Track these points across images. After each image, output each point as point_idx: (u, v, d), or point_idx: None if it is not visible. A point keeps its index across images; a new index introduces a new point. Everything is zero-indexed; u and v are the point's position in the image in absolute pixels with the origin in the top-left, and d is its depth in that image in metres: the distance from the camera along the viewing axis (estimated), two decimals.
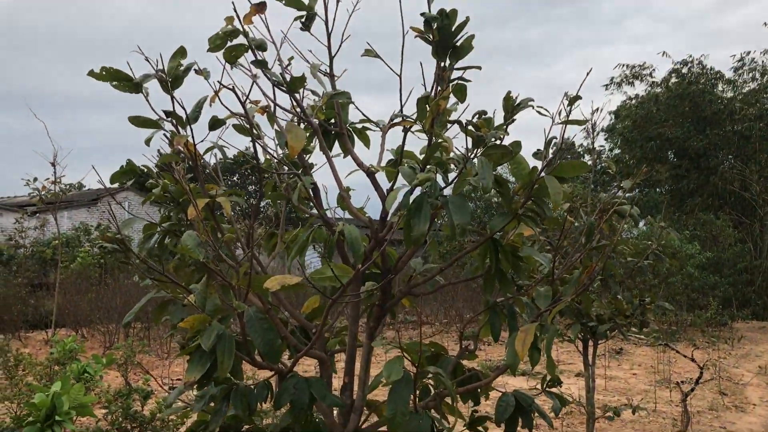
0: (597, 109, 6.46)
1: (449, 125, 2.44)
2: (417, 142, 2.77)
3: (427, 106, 2.37)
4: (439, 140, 2.40)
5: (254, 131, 2.81)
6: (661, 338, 8.84)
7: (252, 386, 2.44)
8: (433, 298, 19.18)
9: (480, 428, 3.05)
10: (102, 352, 10.75)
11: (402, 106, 2.64)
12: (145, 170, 2.88)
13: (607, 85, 27.33)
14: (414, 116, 2.56)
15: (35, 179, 13.90)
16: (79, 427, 5.00)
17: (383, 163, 3.00)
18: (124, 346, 10.18)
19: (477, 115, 2.24)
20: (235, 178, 33.31)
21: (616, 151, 27.10)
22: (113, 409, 5.47)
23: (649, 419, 8.57)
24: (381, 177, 2.87)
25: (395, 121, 2.60)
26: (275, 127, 3.06)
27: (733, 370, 12.82)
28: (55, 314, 14.08)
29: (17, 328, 14.85)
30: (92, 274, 17.48)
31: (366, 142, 3.23)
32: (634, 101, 26.52)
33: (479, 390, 3.02)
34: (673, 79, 25.29)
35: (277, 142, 3.08)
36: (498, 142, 2.37)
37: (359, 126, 3.18)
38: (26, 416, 5.04)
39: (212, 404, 2.40)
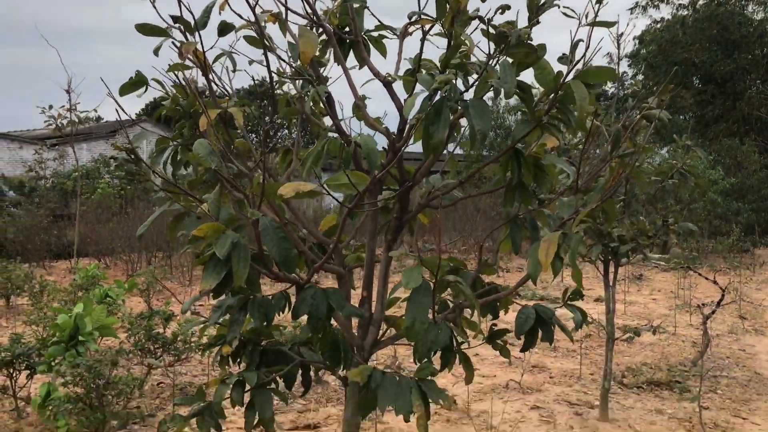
0: (620, 34, 6.19)
1: (470, 23, 2.31)
2: (436, 52, 2.65)
3: (446, 3, 2.23)
4: (459, 41, 2.28)
5: (266, 42, 2.70)
6: (683, 263, 8.76)
7: (269, 297, 2.40)
8: (451, 227, 19.16)
9: (499, 342, 3.03)
10: (124, 279, 10.89)
11: (421, 7, 2.49)
12: (155, 81, 2.79)
13: (632, 9, 26.49)
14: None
15: (50, 107, 13.85)
16: (103, 348, 5.07)
17: (401, 73, 2.88)
18: (146, 272, 10.31)
19: (500, 10, 2.11)
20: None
21: (640, 77, 26.47)
22: (135, 330, 5.54)
23: (669, 342, 8.59)
24: (398, 88, 2.76)
25: (413, 19, 2.47)
26: (287, 37, 2.94)
27: (753, 294, 12.77)
28: (77, 243, 14.26)
29: (41, 257, 15.09)
30: (113, 205, 17.62)
31: (383, 51, 3.10)
32: (659, 25, 25.72)
33: (498, 304, 2.97)
34: (701, 1, 24.41)
35: (290, 54, 2.97)
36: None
37: (375, 35, 3.05)
38: (51, 338, 5.11)
39: (228, 316, 2.38)
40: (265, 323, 2.35)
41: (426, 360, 2.42)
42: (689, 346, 8.47)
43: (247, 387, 2.78)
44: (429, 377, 2.43)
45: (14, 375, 5.11)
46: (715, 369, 7.36)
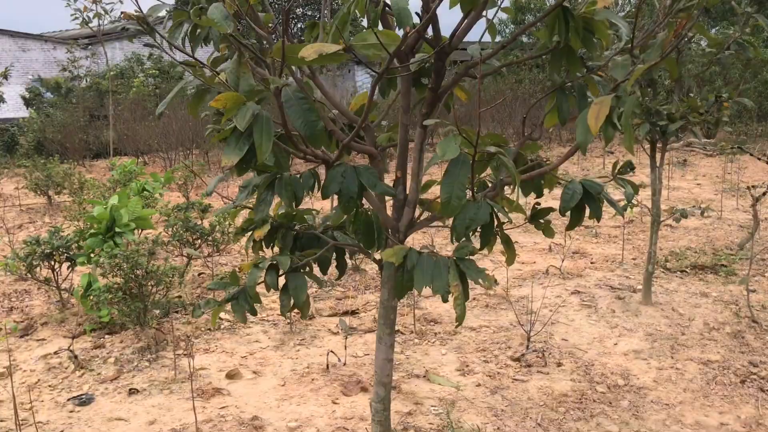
0: None
1: None
2: None
3: None
4: None
5: None
6: (733, 145, 8.38)
7: (298, 175, 2.27)
8: (489, 118, 18.66)
9: (542, 221, 2.87)
10: (162, 174, 10.93)
11: None
12: None
13: None
14: None
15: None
16: (141, 239, 5.08)
17: None
18: (182, 166, 10.31)
19: None
20: None
21: None
22: (173, 221, 5.53)
23: (714, 226, 8.36)
24: None
25: None
26: None
27: None
28: (114, 142, 14.30)
29: (81, 156, 15.23)
30: (148, 103, 17.54)
31: None
32: None
33: (542, 181, 2.80)
34: None
35: None
36: None
37: None
38: (89, 230, 5.13)
39: (255, 196, 2.26)
40: (294, 203, 2.23)
41: (465, 239, 2.29)
42: (736, 230, 8.24)
43: (281, 271, 2.70)
44: (468, 257, 2.30)
45: (56, 267, 5.17)
46: (764, 252, 7.16)
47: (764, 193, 6.55)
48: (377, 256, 2.68)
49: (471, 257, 2.31)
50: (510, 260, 2.96)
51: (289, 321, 5.14)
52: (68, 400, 3.95)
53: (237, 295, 2.80)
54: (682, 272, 6.59)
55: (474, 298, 5.78)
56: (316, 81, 2.77)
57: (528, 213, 2.90)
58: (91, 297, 4.67)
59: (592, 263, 6.87)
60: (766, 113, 17.12)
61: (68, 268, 5.29)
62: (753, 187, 7.49)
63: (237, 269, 2.89)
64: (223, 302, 2.81)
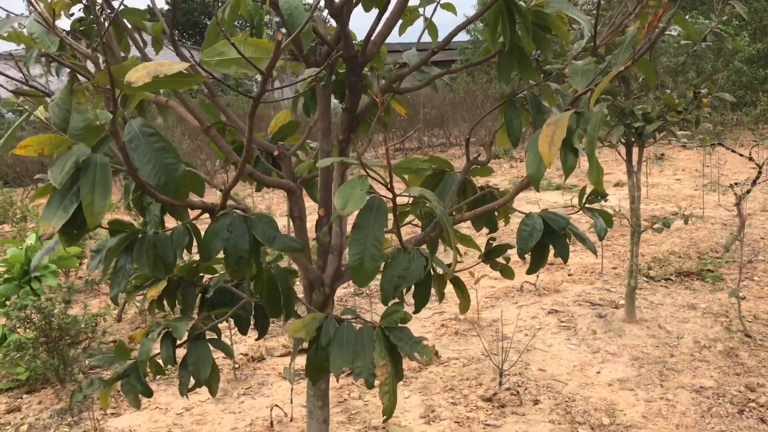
0: None
1: None
2: None
3: None
4: None
5: None
6: (711, 138, 7.96)
7: (168, 232, 1.74)
8: (461, 119, 18.14)
9: (499, 261, 2.37)
10: None
11: None
12: None
13: None
14: None
15: None
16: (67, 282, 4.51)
17: None
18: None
19: None
20: None
21: None
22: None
23: (697, 226, 7.92)
24: None
25: None
26: None
27: None
28: None
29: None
30: None
31: None
32: None
33: (497, 213, 2.29)
34: None
35: None
36: None
37: None
38: (3, 274, 4.55)
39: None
40: (162, 270, 1.70)
41: (395, 302, 1.77)
42: (719, 228, 7.81)
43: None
44: (400, 324, 1.78)
45: None
46: (750, 253, 6.72)
47: (747, 191, 6.11)
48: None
49: (404, 325, 1.79)
50: (464, 307, 2.46)
51: (235, 365, 4.59)
52: None
53: (128, 373, 2.27)
54: (667, 280, 6.12)
55: (443, 325, 5.27)
56: (215, 101, 2.25)
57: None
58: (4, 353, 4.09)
59: (569, 275, 6.39)
60: (739, 102, 16.83)
61: None
62: (735, 184, 7.07)
63: (128, 339, 2.36)
64: (111, 382, 2.26)
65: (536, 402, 3.99)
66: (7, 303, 4.40)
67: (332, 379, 2.80)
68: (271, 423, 3.79)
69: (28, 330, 3.92)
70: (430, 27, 2.49)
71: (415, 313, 1.88)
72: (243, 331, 2.37)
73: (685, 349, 4.62)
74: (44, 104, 1.80)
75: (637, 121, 4.50)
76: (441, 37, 2.22)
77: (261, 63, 1.34)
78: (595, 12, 1.72)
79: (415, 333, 5.08)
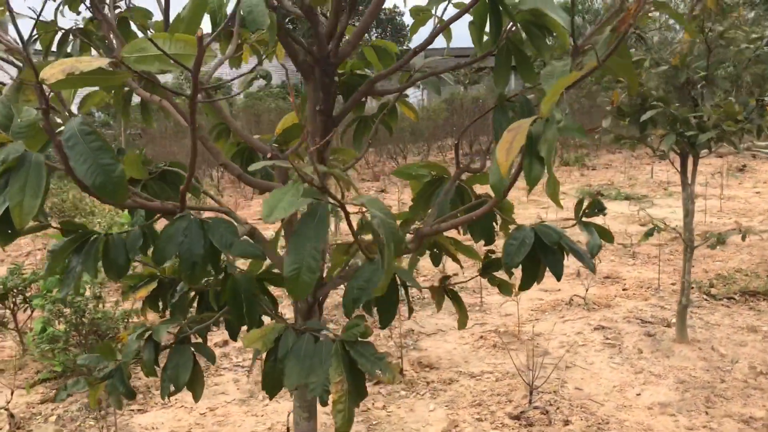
0: None
1: None
2: None
3: None
4: None
5: None
6: None
7: (120, 234, 1.70)
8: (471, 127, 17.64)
9: (497, 275, 2.23)
10: None
11: None
12: None
13: None
14: None
15: None
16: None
17: None
18: None
19: None
20: None
21: None
22: None
23: None
24: None
25: None
26: None
27: None
28: None
29: None
30: None
31: None
32: None
33: (497, 224, 2.17)
34: None
35: None
36: None
37: None
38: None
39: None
40: (115, 273, 1.66)
41: (357, 315, 1.68)
42: None
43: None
44: (361, 338, 1.68)
45: (14, 308, 4.74)
46: None
47: None
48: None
49: (365, 339, 1.69)
50: (462, 324, 2.34)
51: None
52: None
53: (112, 374, 2.25)
54: (729, 299, 5.76)
55: (482, 336, 5.11)
56: (217, 106, 2.23)
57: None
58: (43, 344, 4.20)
59: (624, 290, 6.10)
60: None
61: (24, 310, 4.85)
62: None
63: (115, 339, 2.35)
64: (95, 382, 2.25)
65: (567, 422, 3.79)
66: (48, 296, 4.52)
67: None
68: (288, 429, 3.74)
69: (61, 324, 4.01)
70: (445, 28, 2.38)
71: (381, 328, 1.78)
72: (233, 336, 2.32)
73: (738, 375, 4.31)
74: None
75: (691, 130, 4.23)
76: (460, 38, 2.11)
77: (188, 60, 1.27)
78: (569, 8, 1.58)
79: (453, 344, 4.97)
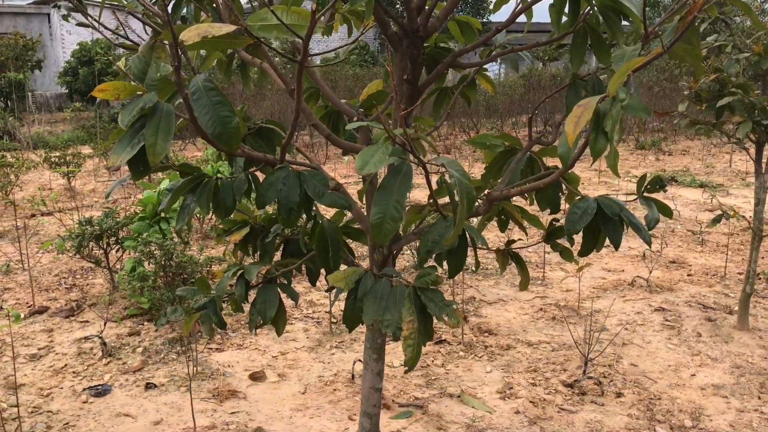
0: None
1: None
2: None
3: None
4: None
5: None
6: None
7: (229, 178, 1.94)
8: (517, 110, 17.42)
9: (560, 242, 2.39)
10: None
11: None
12: None
13: None
14: None
15: None
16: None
17: None
18: None
19: None
20: None
21: None
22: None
23: None
24: None
25: None
26: None
27: None
28: None
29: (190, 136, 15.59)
30: None
31: None
32: None
33: (563, 194, 2.32)
34: None
35: None
36: None
37: None
38: (137, 214, 5.06)
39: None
40: (225, 212, 1.90)
41: (429, 265, 1.89)
42: None
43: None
44: (432, 286, 1.88)
45: (107, 249, 5.15)
46: None
47: None
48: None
49: (435, 287, 1.89)
50: (524, 285, 2.52)
51: (334, 320, 4.85)
52: (85, 389, 3.86)
53: (206, 306, 2.53)
54: None
55: (541, 308, 5.26)
56: (310, 71, 2.44)
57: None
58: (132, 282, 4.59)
59: (689, 275, 6.11)
60: None
61: (117, 251, 5.26)
62: None
63: (211, 274, 2.62)
64: (190, 312, 2.53)
65: (619, 395, 3.93)
66: (139, 239, 4.90)
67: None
68: (353, 376, 4.01)
69: (150, 264, 4.37)
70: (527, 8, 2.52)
71: (449, 278, 1.98)
72: (312, 282, 2.57)
73: None
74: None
75: None
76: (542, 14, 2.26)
77: (301, 30, 1.49)
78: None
79: (513, 313, 5.14)
